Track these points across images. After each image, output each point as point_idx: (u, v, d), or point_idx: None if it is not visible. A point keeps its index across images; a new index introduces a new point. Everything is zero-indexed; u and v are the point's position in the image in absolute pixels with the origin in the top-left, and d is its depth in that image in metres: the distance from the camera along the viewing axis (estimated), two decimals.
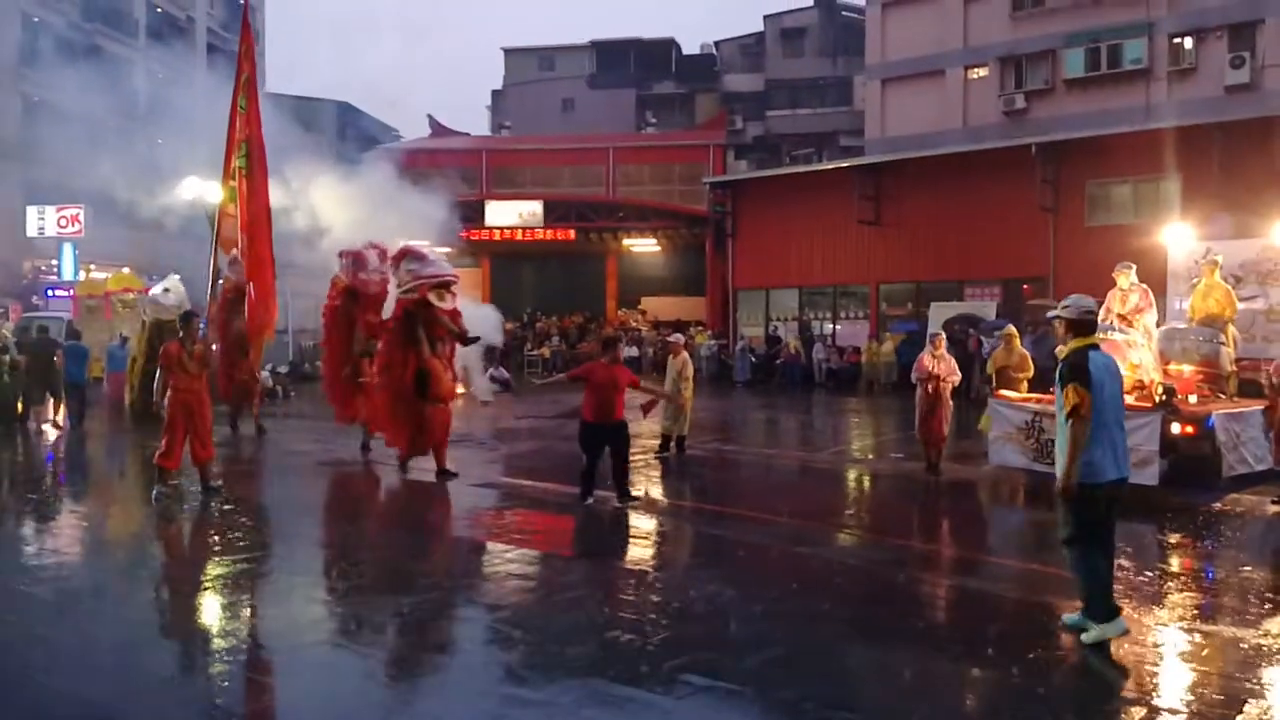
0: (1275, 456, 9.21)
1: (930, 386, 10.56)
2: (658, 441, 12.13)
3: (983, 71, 29.22)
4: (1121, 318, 10.25)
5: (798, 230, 26.47)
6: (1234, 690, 4.55)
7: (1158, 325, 10.69)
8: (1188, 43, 25.97)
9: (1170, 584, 6.52)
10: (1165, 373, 10.28)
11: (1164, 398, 9.21)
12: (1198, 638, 5.30)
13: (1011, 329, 11.86)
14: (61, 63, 26.03)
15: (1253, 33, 25.06)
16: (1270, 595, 6.22)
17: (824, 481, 11.42)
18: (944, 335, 11.30)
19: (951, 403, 10.82)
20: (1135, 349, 9.84)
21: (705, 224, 30.45)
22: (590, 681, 4.67)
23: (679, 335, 14.17)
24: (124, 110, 20.42)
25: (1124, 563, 7.09)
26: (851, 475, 11.79)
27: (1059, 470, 5.21)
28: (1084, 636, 5.11)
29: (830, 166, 28.78)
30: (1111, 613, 5.12)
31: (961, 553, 7.83)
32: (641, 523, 8.43)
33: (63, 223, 27.39)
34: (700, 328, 30.19)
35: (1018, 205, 22.54)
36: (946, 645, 5.33)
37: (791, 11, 42.53)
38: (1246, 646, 5.10)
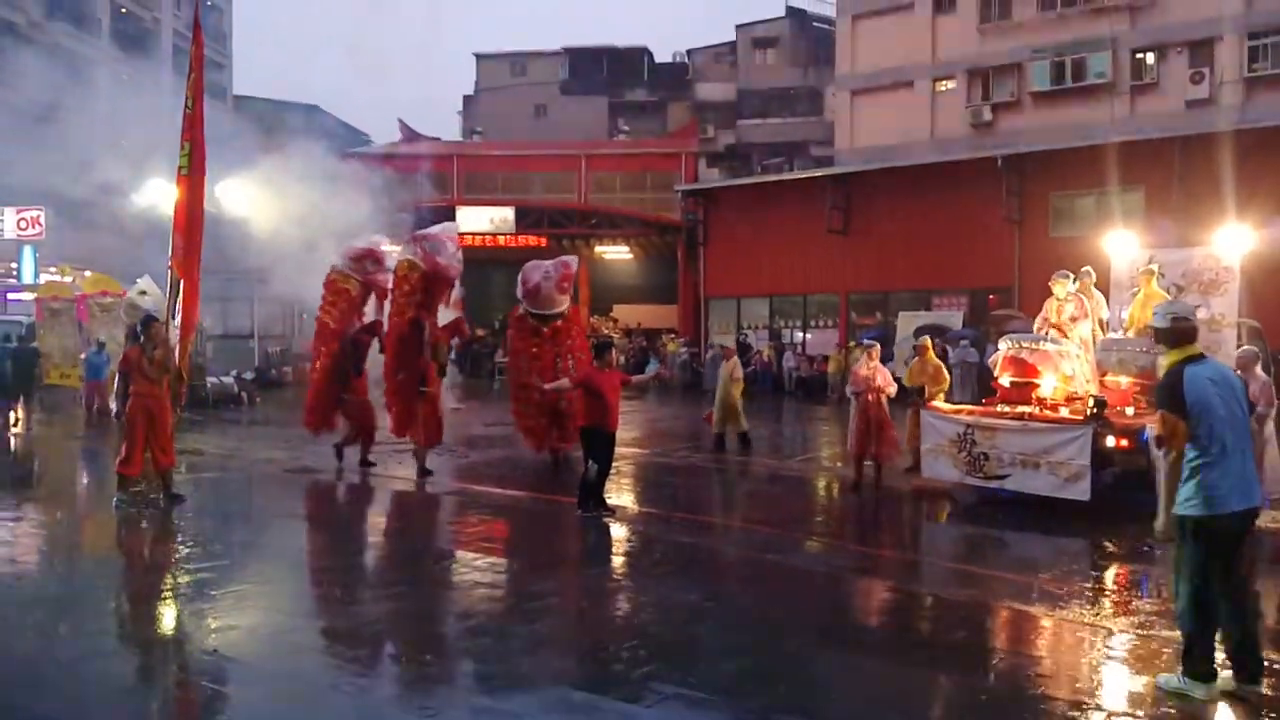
0: None
1: (870, 397, 10.22)
2: (636, 450, 12.15)
3: (950, 84, 29.61)
4: (1056, 327, 10.10)
5: (769, 239, 26.61)
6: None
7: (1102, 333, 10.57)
8: (1150, 58, 26.53)
9: (1109, 593, 6.61)
10: (1103, 384, 10.05)
11: (1094, 410, 8.91)
12: (1153, 644, 5.38)
13: (926, 340, 11.47)
14: (22, 62, 25.54)
15: (1211, 49, 25.64)
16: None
17: (793, 489, 11.46)
18: (878, 345, 10.96)
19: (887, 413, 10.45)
20: (1068, 360, 9.66)
21: (677, 232, 30.53)
22: (558, 690, 4.65)
23: (728, 343, 15.00)
24: (87, 111, 20.04)
25: (1053, 574, 7.20)
26: (821, 483, 11.84)
27: (1161, 509, 4.53)
28: (1161, 678, 4.62)
29: (801, 176, 28.97)
30: (1208, 673, 4.46)
31: (928, 560, 7.89)
32: (611, 531, 8.41)
33: (22, 224, 26.79)
34: (672, 335, 30.24)
35: (984, 216, 22.85)
36: (913, 653, 5.37)
37: (763, 21, 42.87)
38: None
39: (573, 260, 11.86)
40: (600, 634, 5.63)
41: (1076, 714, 4.42)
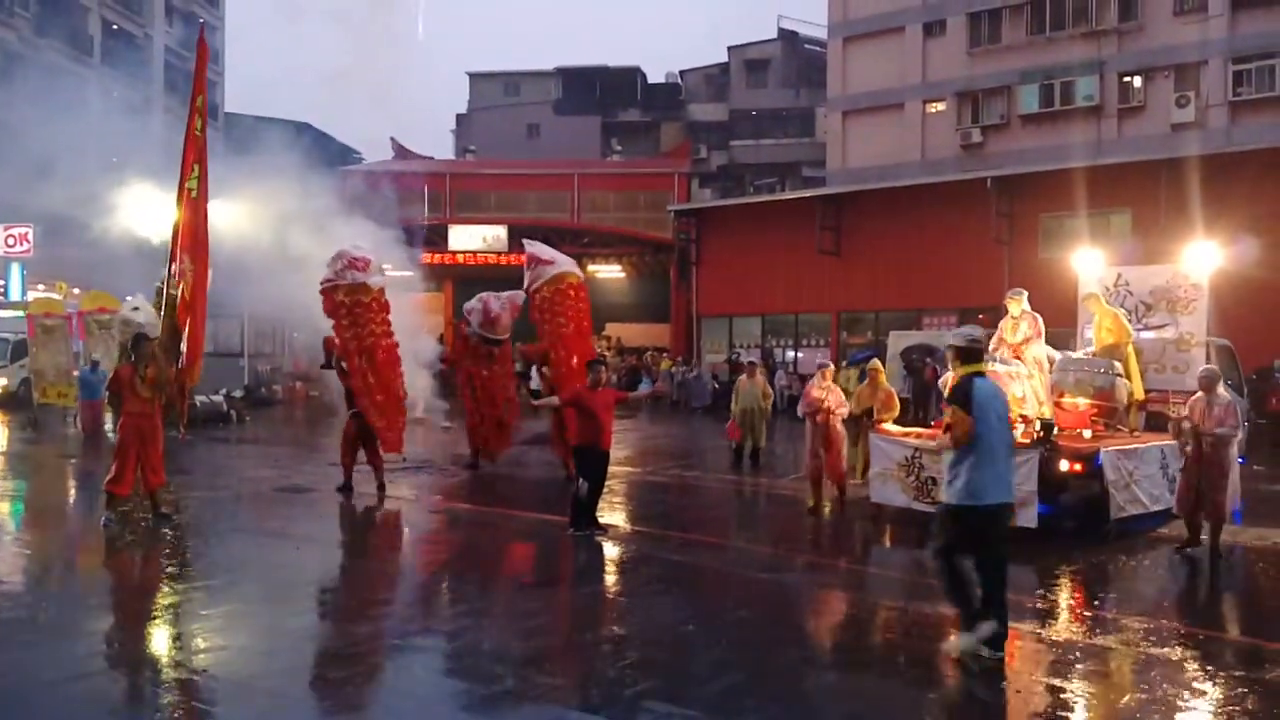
0: (1177, 503, 8.35)
1: (819, 419, 10.00)
2: (629, 469, 12.12)
3: (940, 106, 29.91)
4: (1011, 347, 9.73)
5: (760, 259, 26.73)
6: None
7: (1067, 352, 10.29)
8: (1136, 82, 26.87)
9: (1090, 612, 6.60)
10: (1059, 405, 9.72)
11: (1041, 434, 8.52)
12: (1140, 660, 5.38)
13: (876, 363, 11.16)
14: (12, 78, 25.57)
15: (1197, 74, 26.00)
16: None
17: (785, 508, 11.43)
18: (831, 366, 10.63)
19: (845, 434, 10.27)
20: (1017, 381, 9.28)
21: (670, 251, 30.63)
22: (550, 709, 4.61)
23: (755, 360, 15.38)
24: (77, 127, 20.03)
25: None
26: (812, 503, 11.79)
27: (944, 490, 5.38)
28: (947, 645, 5.30)
29: (792, 196, 29.18)
30: (975, 620, 5.23)
31: (917, 578, 7.86)
32: (603, 549, 8.37)
33: (10, 241, 26.71)
34: (665, 354, 30.25)
35: (974, 237, 23.01)
36: (904, 669, 5.35)
37: (755, 43, 43.27)
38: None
39: (520, 295, 12.85)
40: (592, 652, 5.59)
41: None
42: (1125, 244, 17.58)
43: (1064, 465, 8.45)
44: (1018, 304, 9.83)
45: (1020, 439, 8.67)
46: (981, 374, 5.49)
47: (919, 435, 9.44)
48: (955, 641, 5.25)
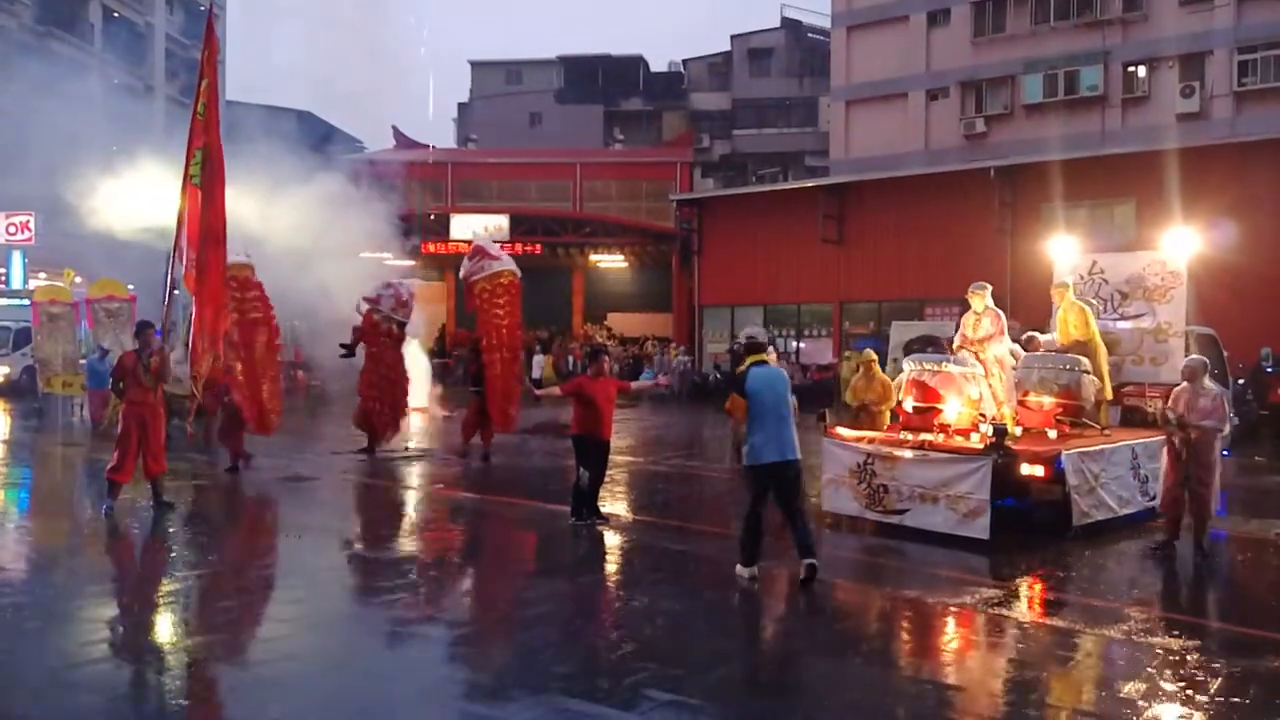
0: (1163, 499, 8.08)
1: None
2: (630, 458, 12.10)
3: (944, 96, 29.78)
4: (973, 344, 9.15)
5: (763, 248, 26.69)
6: None
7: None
8: (1141, 71, 26.74)
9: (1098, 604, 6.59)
10: (1023, 404, 9.35)
11: (993, 439, 8.01)
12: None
13: (870, 353, 10.74)
14: (11, 65, 25.48)
15: (1202, 63, 25.87)
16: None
17: None
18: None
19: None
20: (974, 382, 8.80)
21: (672, 241, 30.57)
22: (551, 698, 4.62)
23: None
24: (77, 115, 19.93)
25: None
26: (813, 494, 11.78)
27: (744, 452, 6.88)
28: (737, 569, 6.71)
29: (795, 186, 29.09)
30: (752, 560, 6.69)
31: (914, 567, 7.86)
32: (604, 539, 8.38)
33: (11, 229, 26.67)
34: (669, 343, 30.23)
35: (977, 227, 22.95)
36: (902, 658, 5.35)
37: (759, 32, 43.03)
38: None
39: (418, 284, 14.36)
40: (593, 641, 5.60)
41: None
42: (1104, 229, 17.27)
43: (1024, 470, 8.03)
44: (980, 299, 9.22)
45: (974, 445, 8.31)
46: (762, 363, 6.79)
47: (871, 441, 8.86)
48: (739, 570, 6.69)
